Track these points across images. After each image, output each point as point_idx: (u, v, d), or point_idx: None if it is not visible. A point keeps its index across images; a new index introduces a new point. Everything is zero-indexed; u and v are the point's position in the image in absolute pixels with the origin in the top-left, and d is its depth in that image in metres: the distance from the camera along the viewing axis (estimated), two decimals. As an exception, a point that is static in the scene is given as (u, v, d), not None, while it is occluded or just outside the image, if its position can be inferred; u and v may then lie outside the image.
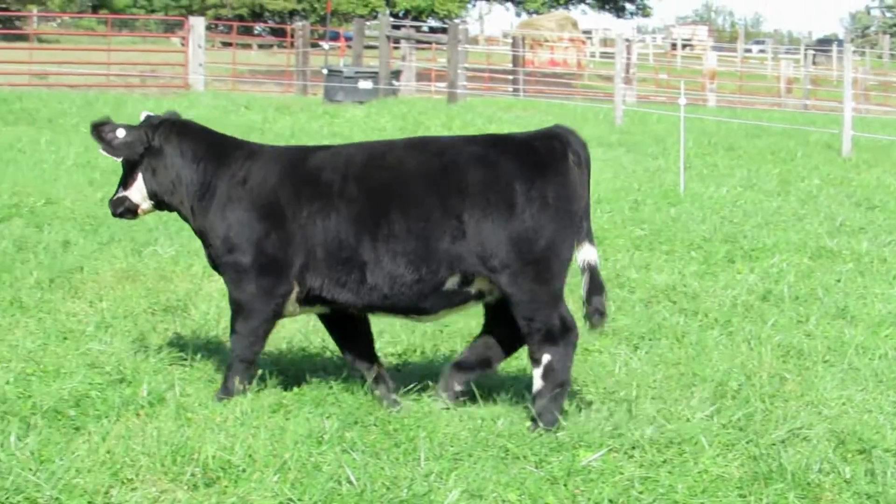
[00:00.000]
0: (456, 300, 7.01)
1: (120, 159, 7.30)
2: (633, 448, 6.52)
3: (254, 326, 7.11)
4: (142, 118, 7.41)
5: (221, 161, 7.23)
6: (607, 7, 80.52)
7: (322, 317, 7.43)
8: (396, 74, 35.96)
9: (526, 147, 6.96)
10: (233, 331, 7.21)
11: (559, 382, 6.87)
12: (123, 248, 11.06)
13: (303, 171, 7.10)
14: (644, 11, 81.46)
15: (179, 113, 7.64)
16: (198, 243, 10.96)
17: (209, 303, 9.26)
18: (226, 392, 7.13)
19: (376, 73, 33.68)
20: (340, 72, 33.76)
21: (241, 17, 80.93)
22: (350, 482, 5.90)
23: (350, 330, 7.36)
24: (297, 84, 37.92)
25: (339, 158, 7.11)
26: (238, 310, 7.16)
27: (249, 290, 7.08)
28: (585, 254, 6.99)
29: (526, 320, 6.86)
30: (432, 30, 62.06)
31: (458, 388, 7.21)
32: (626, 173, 18.13)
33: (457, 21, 59.07)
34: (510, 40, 49.12)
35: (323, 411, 6.94)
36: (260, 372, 7.25)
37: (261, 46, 66.90)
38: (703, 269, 11.17)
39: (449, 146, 7.07)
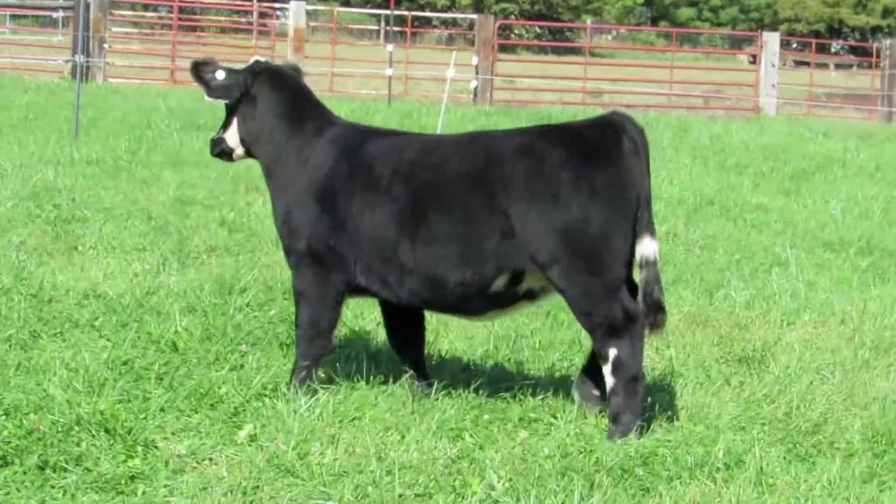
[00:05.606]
0: (504, 301, 6.86)
1: (216, 101, 7.37)
2: None
3: (314, 318, 7.05)
4: (251, 62, 7.49)
5: (295, 130, 7.22)
6: None
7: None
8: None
9: (574, 135, 6.73)
10: (295, 324, 7.20)
11: (631, 376, 6.61)
12: (693, 290, 10.55)
13: (359, 158, 6.99)
14: None
15: (299, 66, 7.67)
16: (773, 288, 10.57)
17: (790, 355, 8.49)
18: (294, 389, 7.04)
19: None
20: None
21: (817, 34, 78.96)
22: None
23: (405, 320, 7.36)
24: (882, 110, 35.57)
25: (394, 152, 6.97)
26: (297, 299, 7.18)
27: (306, 278, 7.05)
28: (644, 247, 6.64)
29: (585, 316, 6.67)
30: None
31: (595, 392, 6.98)
32: None
33: None
34: None
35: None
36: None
37: (838, 66, 64.72)
38: None
39: (496, 139, 6.88)
